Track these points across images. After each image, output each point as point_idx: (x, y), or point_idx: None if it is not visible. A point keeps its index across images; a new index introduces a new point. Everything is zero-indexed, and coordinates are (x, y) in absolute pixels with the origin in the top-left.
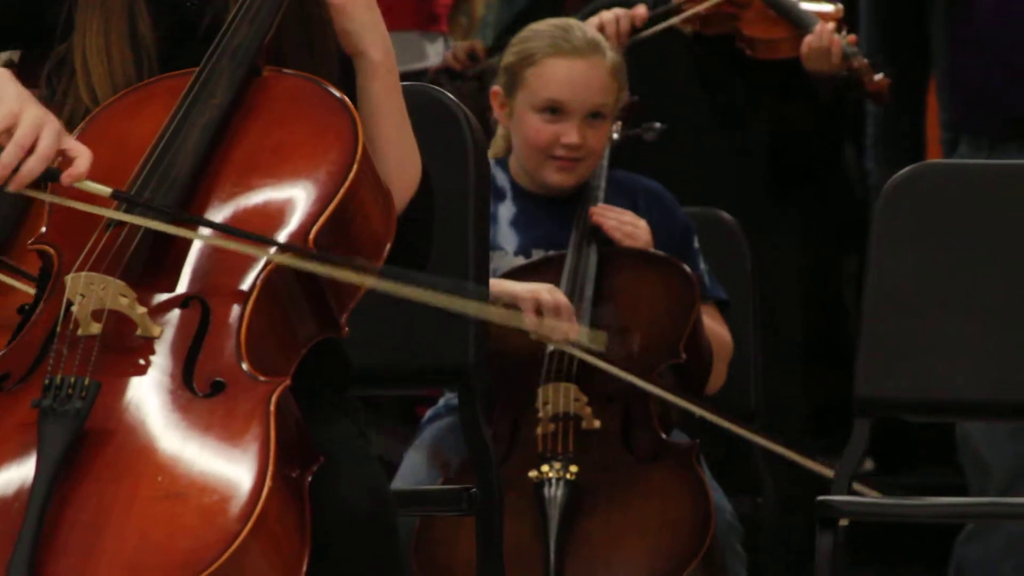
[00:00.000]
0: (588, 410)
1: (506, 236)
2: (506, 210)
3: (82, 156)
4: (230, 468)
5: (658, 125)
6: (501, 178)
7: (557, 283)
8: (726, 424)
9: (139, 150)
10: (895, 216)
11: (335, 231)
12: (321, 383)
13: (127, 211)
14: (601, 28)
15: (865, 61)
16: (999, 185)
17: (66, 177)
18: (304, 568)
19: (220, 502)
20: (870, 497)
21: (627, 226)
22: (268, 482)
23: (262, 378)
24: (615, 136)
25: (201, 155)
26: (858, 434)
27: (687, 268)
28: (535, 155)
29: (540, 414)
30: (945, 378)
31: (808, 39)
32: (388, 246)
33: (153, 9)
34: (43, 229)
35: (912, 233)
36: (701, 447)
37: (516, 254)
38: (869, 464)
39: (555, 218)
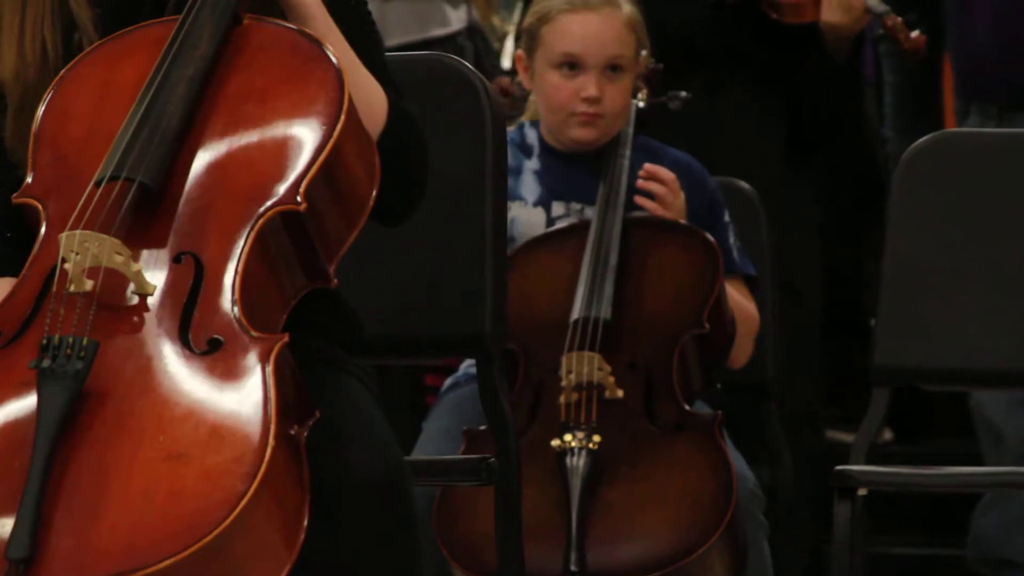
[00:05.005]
0: (611, 379)
1: (529, 187)
2: (532, 164)
3: None
4: (233, 428)
5: (683, 94)
6: (531, 136)
7: (582, 249)
8: None
9: (121, 100)
10: (914, 185)
11: (325, 182)
12: (332, 345)
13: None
14: None
15: (899, 19)
16: (1018, 154)
17: None
18: (305, 523)
19: (224, 463)
20: (888, 467)
21: (666, 197)
22: (271, 441)
23: (258, 334)
24: (640, 104)
25: (189, 107)
26: (876, 403)
27: (710, 237)
28: (557, 113)
29: (563, 383)
30: (963, 347)
31: None
32: (374, 193)
33: None
34: (28, 181)
35: (930, 202)
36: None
37: (536, 204)
38: (887, 434)
39: (577, 174)
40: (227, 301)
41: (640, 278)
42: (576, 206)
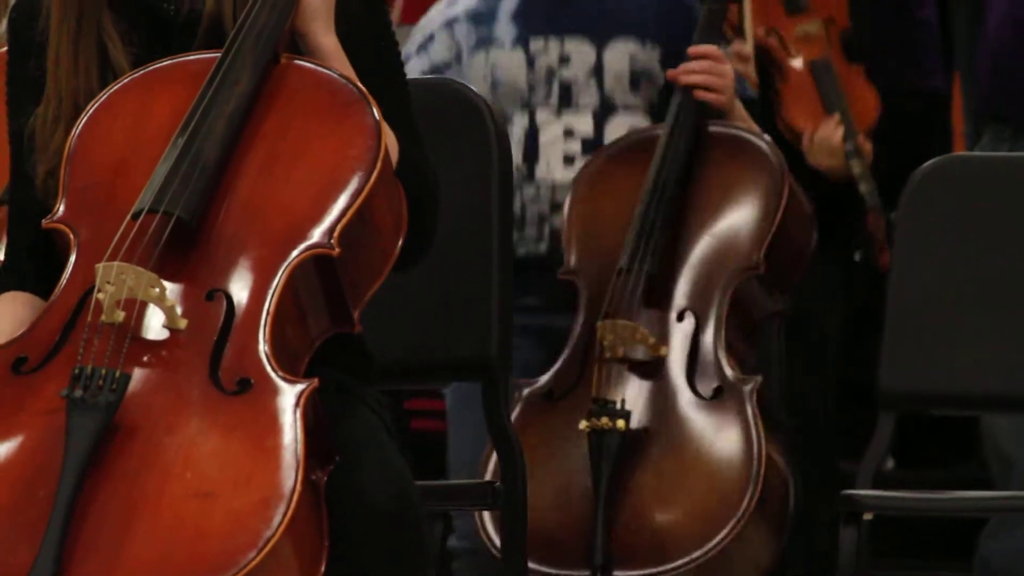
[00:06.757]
0: (652, 341)
1: (505, 29)
2: (508, 3)
3: None
4: (261, 470)
5: None
6: None
7: (646, 169)
8: None
9: (156, 130)
10: (921, 208)
11: (358, 228)
12: (345, 375)
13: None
14: None
15: (884, 223)
16: None
17: None
18: (322, 568)
19: (251, 505)
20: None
21: (713, 79)
22: (298, 487)
23: (286, 376)
24: None
25: (228, 143)
26: (883, 428)
27: (775, 158)
28: None
29: (598, 352)
30: (970, 371)
31: (816, 131)
32: (401, 242)
33: (123, 27)
34: (60, 208)
35: (938, 225)
36: None
37: (513, 45)
38: (889, 463)
39: (553, 3)
40: (258, 341)
41: (700, 212)
42: (554, 41)
